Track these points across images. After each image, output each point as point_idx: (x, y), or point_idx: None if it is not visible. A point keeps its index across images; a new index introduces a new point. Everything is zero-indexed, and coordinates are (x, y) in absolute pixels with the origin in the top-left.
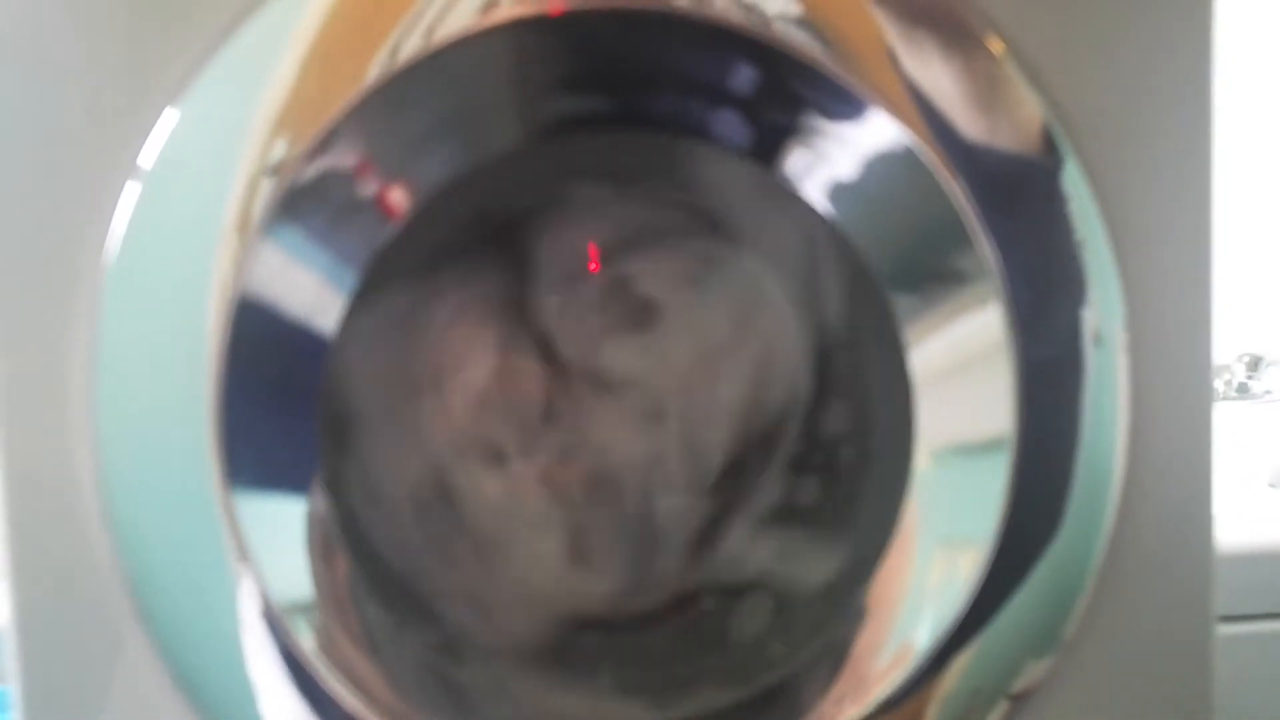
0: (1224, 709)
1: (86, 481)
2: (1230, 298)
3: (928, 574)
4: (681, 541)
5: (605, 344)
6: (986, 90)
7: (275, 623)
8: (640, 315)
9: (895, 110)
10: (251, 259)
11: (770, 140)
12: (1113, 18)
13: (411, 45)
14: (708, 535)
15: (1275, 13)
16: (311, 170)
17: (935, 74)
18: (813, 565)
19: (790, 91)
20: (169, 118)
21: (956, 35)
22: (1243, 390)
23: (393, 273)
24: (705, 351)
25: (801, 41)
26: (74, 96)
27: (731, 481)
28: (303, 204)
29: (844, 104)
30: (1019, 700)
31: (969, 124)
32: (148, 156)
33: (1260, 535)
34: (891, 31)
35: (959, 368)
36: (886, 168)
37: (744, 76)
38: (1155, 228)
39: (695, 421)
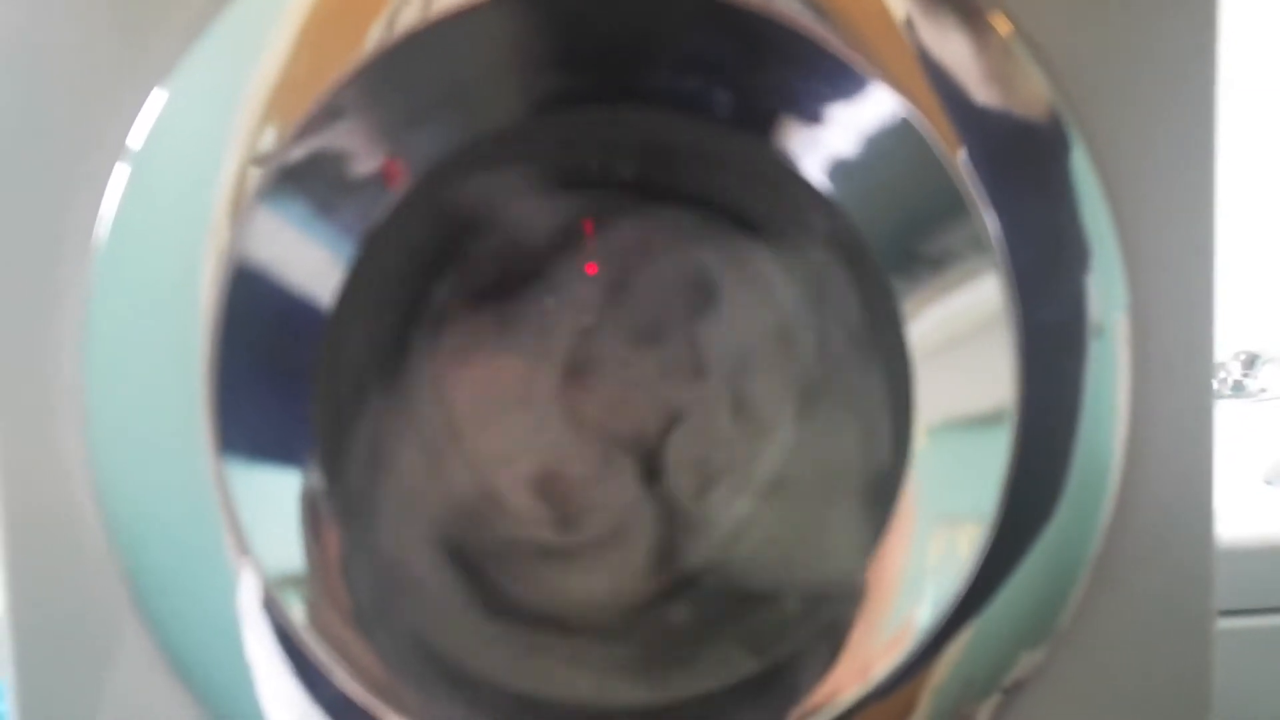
0: (1220, 702)
1: (78, 468)
2: (1228, 296)
3: (927, 551)
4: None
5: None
6: (999, 66)
7: (268, 598)
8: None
9: (897, 80)
10: (245, 234)
11: (765, 116)
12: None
13: (407, 18)
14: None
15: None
16: (304, 147)
17: (950, 43)
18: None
19: (786, 66)
20: (158, 97)
21: (968, 11)
22: (1239, 388)
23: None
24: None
25: (803, 16)
26: (60, 76)
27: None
28: (297, 180)
29: (841, 78)
30: (1011, 693)
31: (981, 90)
32: (136, 137)
33: (1255, 531)
34: (906, 4)
35: (958, 340)
36: (883, 141)
37: (740, 52)
38: (1159, 216)
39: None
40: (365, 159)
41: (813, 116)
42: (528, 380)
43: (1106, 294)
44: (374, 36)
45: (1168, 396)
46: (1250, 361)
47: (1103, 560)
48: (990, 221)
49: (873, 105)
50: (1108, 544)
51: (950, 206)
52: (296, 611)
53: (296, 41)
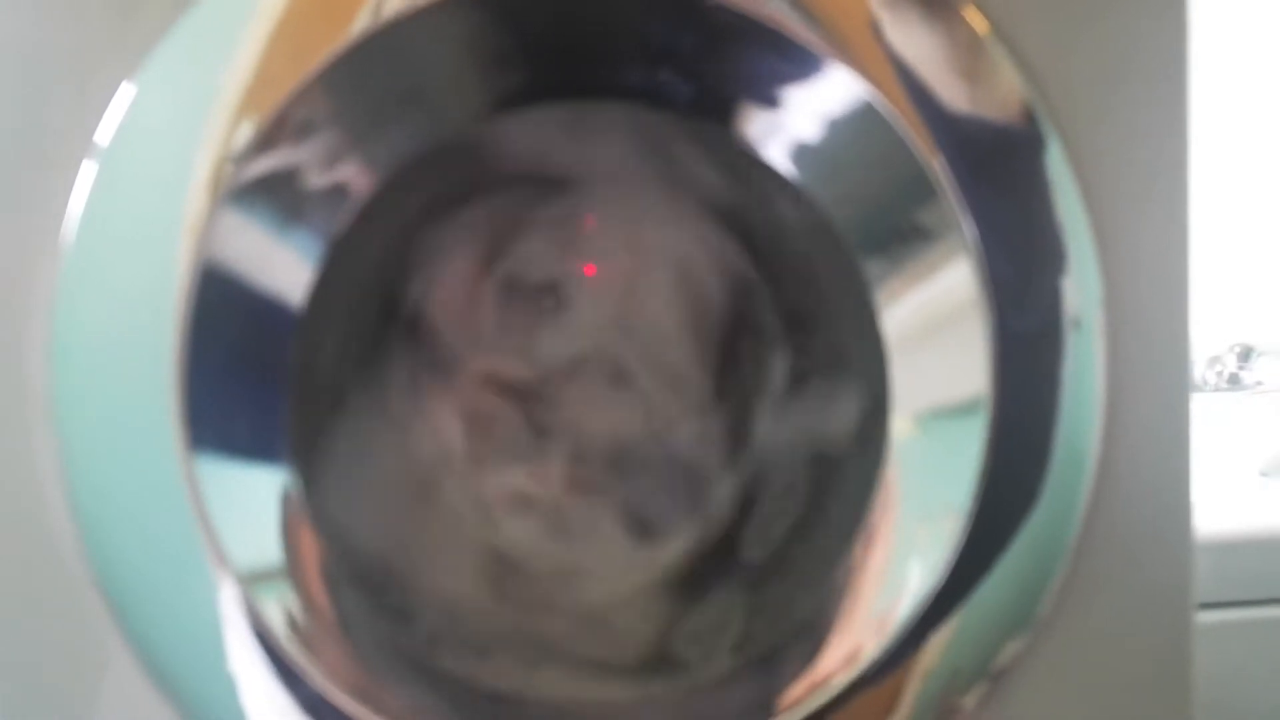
0: (1216, 695)
1: (49, 472)
2: (1222, 288)
3: (908, 543)
4: (720, 459)
5: (530, 345)
6: (970, 60)
7: (246, 600)
8: (546, 302)
9: (867, 74)
10: (214, 237)
11: (728, 103)
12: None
13: (391, 8)
14: (739, 437)
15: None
16: (266, 160)
17: (918, 43)
18: (838, 416)
19: (745, 53)
20: (127, 92)
21: (940, 6)
22: (1234, 381)
23: None
24: (620, 294)
25: (767, 4)
26: (25, 69)
27: (733, 380)
28: (261, 190)
29: (800, 61)
30: (997, 680)
31: (950, 92)
32: (105, 133)
33: (1251, 523)
34: (875, 1)
35: (933, 328)
36: (848, 126)
37: (697, 40)
38: (1134, 209)
39: (657, 355)
40: (329, 167)
41: (773, 101)
42: (509, 428)
43: (1083, 287)
44: (357, 27)
45: (1145, 388)
46: (1245, 354)
47: (1083, 548)
48: (964, 212)
49: (834, 89)
50: (1087, 532)
51: (917, 189)
52: (275, 614)
53: (273, 34)
